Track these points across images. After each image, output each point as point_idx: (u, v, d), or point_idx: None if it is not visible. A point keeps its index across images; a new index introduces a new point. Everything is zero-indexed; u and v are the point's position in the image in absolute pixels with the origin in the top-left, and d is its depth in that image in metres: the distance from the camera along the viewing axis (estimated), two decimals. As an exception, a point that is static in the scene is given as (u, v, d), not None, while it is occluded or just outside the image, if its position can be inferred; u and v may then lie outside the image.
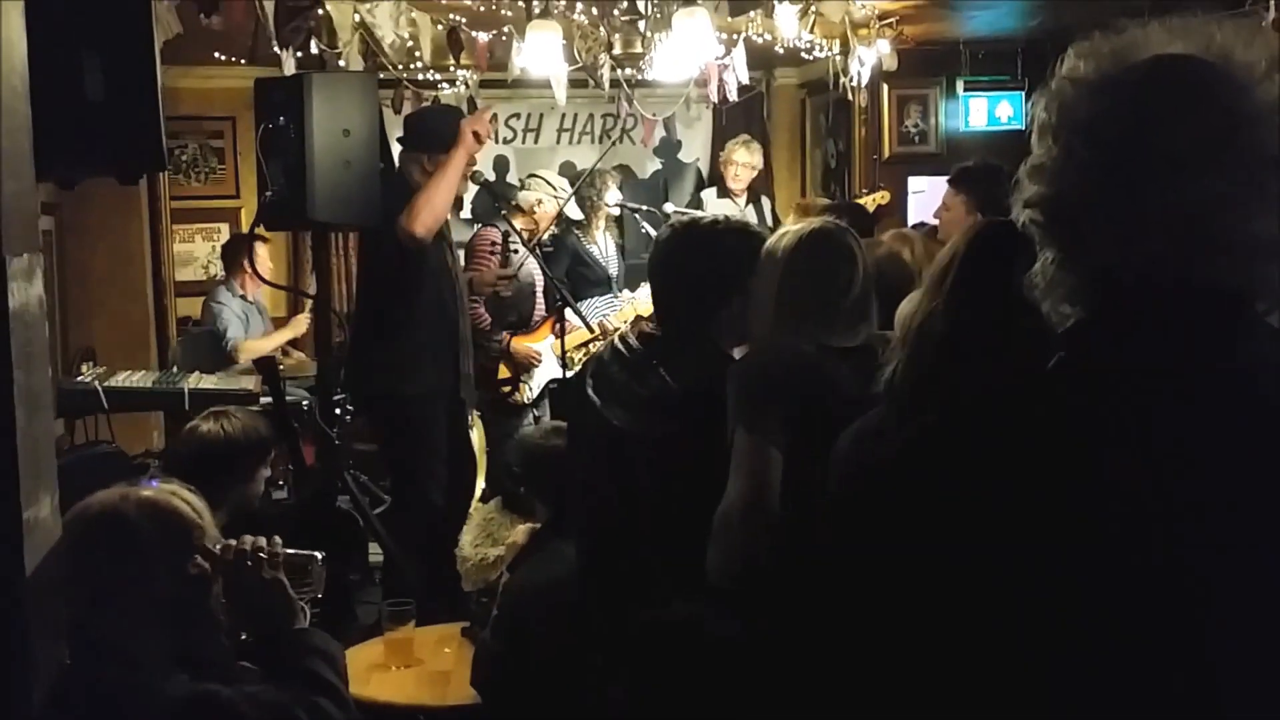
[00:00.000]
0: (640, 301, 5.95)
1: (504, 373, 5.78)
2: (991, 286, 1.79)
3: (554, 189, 6.06)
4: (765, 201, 7.53)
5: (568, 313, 5.54)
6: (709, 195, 7.45)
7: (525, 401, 5.83)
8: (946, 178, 4.75)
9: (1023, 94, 7.91)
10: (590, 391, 2.68)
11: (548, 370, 5.87)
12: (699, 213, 6.52)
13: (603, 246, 6.37)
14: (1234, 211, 1.12)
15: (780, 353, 2.44)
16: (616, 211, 6.51)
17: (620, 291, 6.32)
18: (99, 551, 2.21)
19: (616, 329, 5.55)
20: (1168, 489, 1.07)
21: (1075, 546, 1.08)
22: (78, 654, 2.18)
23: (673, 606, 2.46)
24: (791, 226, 2.66)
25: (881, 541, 1.21)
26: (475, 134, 4.69)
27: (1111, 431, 1.10)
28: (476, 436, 5.57)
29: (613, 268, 6.35)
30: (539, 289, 5.94)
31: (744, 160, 7.07)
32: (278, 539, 2.43)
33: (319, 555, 2.53)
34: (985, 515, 1.12)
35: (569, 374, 5.63)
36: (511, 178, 8.50)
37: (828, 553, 1.40)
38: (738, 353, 2.65)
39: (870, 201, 7.05)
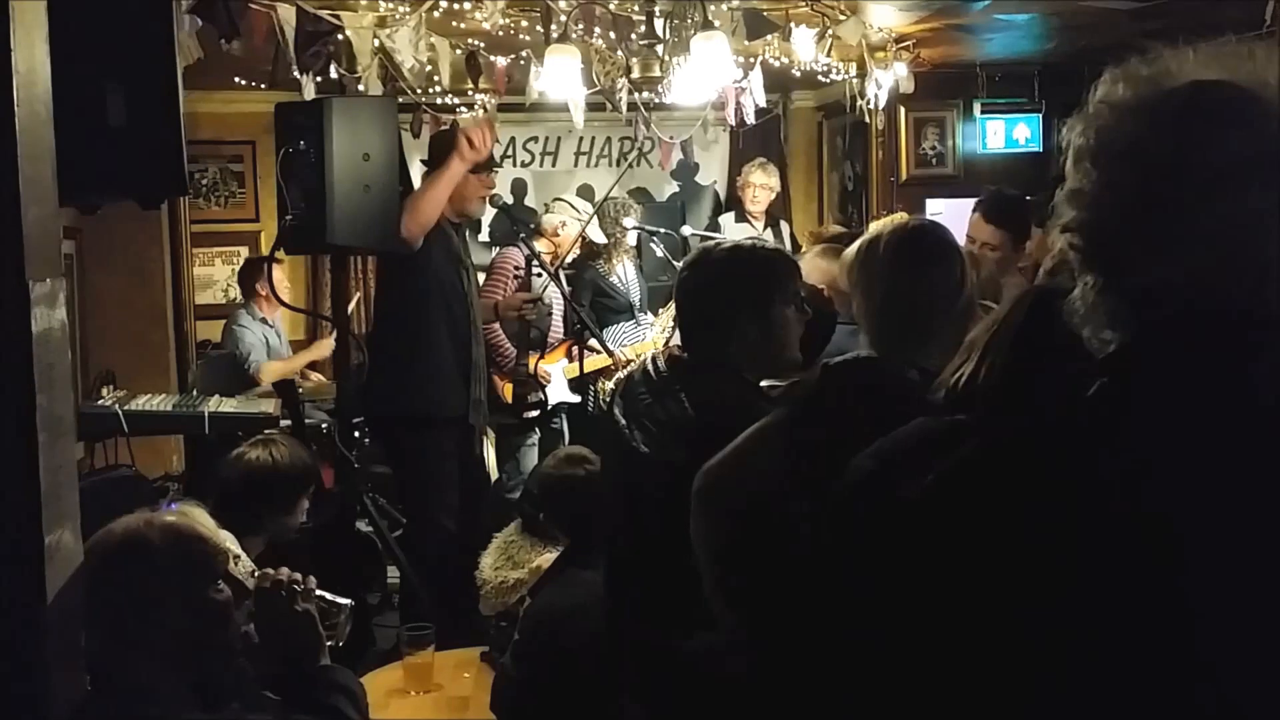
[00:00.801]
0: (659, 326, 5.98)
1: (507, 394, 5.74)
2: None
3: (578, 212, 6.08)
4: (784, 225, 7.53)
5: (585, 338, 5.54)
6: (727, 220, 7.46)
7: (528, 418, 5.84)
8: (977, 212, 4.64)
9: (1040, 116, 7.90)
10: (616, 412, 2.68)
11: (556, 392, 5.87)
12: (720, 236, 6.53)
13: (622, 274, 6.37)
14: (1275, 234, 1.12)
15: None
16: (633, 240, 6.51)
17: (644, 315, 6.33)
18: (121, 577, 2.21)
19: (629, 360, 5.59)
20: (1214, 516, 1.06)
21: (1117, 576, 1.07)
22: (96, 682, 2.18)
23: (694, 638, 2.44)
24: (880, 226, 2.49)
25: (918, 574, 1.20)
26: (469, 141, 4.69)
27: (1155, 459, 1.09)
28: (490, 456, 5.59)
29: (634, 293, 6.35)
30: (557, 311, 5.95)
31: (761, 182, 7.08)
32: (313, 578, 2.44)
33: (349, 604, 2.53)
34: (1025, 545, 1.11)
35: (586, 398, 5.64)
36: (530, 200, 8.53)
37: (848, 584, 1.38)
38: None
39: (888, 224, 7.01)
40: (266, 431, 3.66)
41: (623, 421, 2.64)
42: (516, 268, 5.75)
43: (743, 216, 7.22)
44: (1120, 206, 1.17)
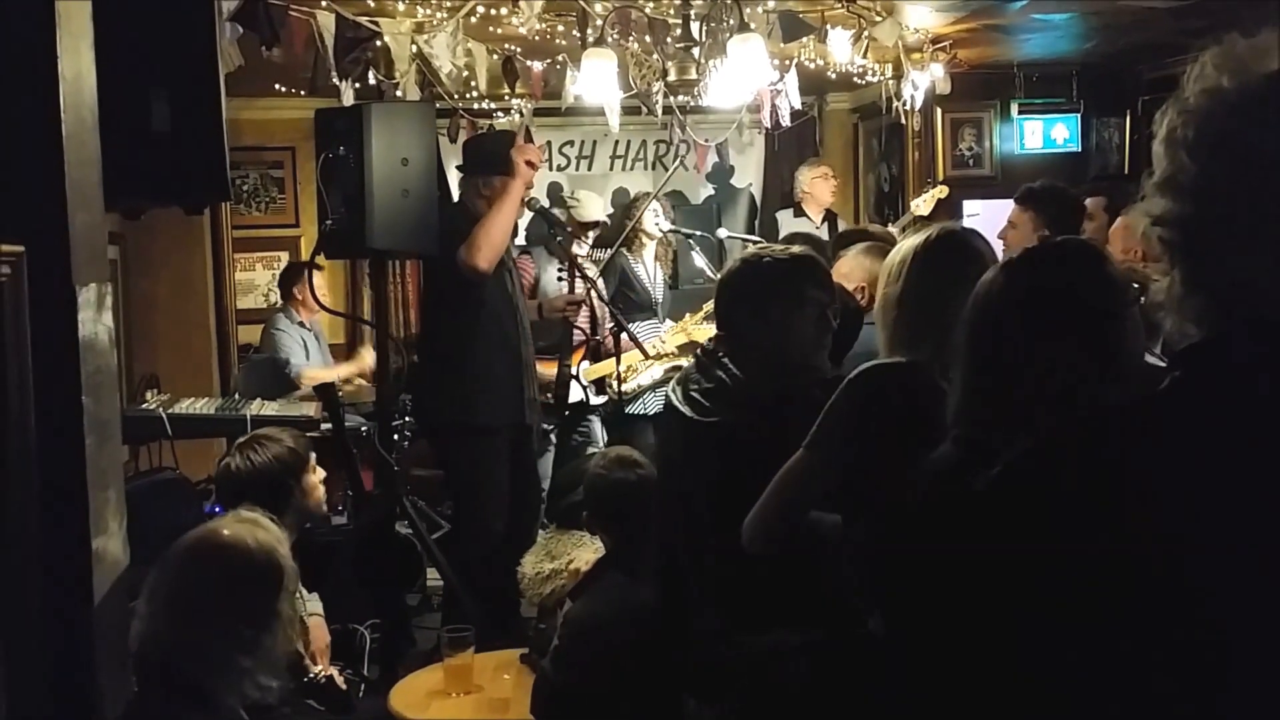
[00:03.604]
0: (676, 330, 5.98)
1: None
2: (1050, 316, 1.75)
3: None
4: (840, 223, 7.53)
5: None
6: (785, 216, 7.48)
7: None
8: (1014, 199, 4.75)
9: (1078, 116, 7.85)
10: (671, 393, 2.87)
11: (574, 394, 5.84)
12: (755, 239, 6.52)
13: (650, 272, 6.36)
14: None
15: (874, 370, 2.38)
16: (657, 234, 6.43)
17: (664, 320, 6.29)
18: (218, 579, 2.26)
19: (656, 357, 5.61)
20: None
21: (1170, 577, 1.06)
22: (146, 682, 2.21)
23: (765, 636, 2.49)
24: (918, 234, 2.54)
25: (983, 563, 1.20)
26: (528, 162, 4.77)
27: (1227, 460, 1.07)
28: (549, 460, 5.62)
29: (658, 294, 6.32)
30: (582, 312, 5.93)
31: (814, 175, 7.17)
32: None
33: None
34: (1090, 535, 1.10)
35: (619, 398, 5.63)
36: (566, 204, 8.56)
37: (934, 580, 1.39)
38: None
39: (930, 198, 7.04)
40: (256, 433, 3.58)
41: (675, 400, 2.82)
42: (558, 273, 5.71)
43: (800, 212, 7.27)
44: (1220, 203, 1.12)
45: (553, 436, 5.90)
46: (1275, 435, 1.06)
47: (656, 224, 6.28)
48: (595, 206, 6.14)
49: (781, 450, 2.38)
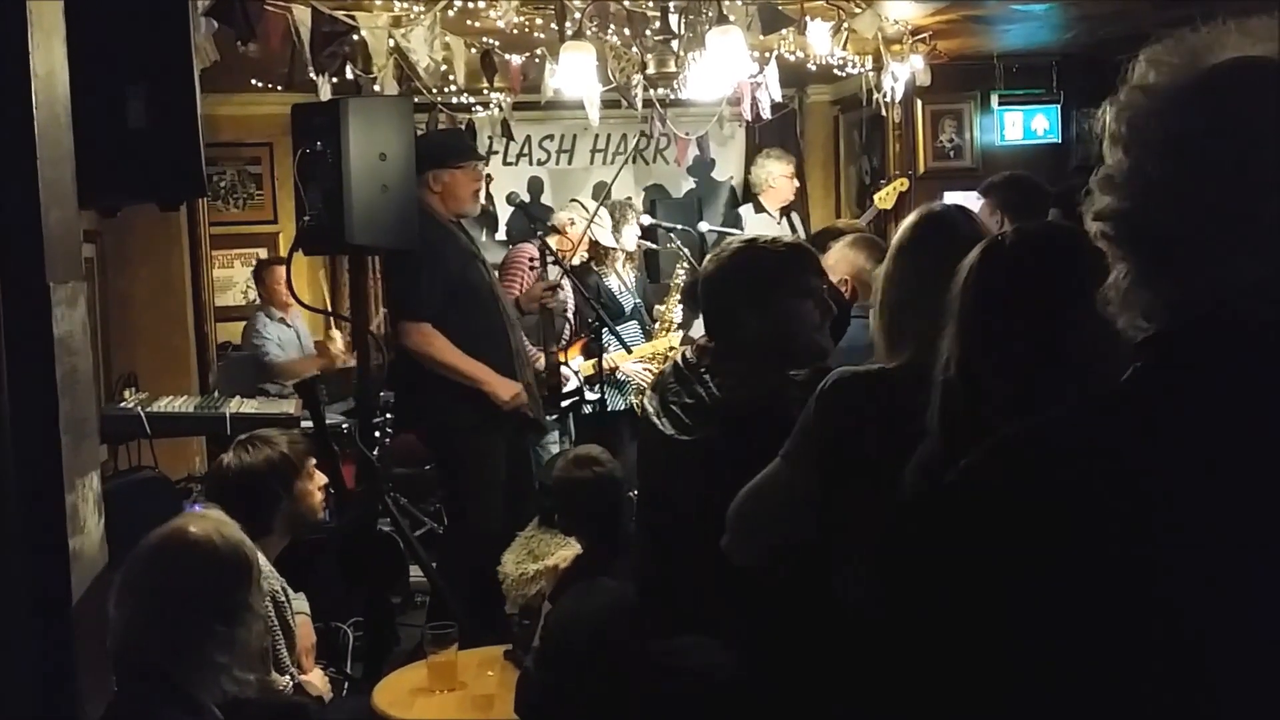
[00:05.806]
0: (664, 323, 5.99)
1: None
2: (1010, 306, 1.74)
3: (587, 213, 6.08)
4: (795, 217, 7.52)
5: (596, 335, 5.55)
6: (746, 211, 7.44)
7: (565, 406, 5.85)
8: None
9: (1058, 107, 7.86)
10: (647, 404, 2.80)
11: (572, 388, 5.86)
12: (737, 232, 6.51)
13: (624, 279, 6.34)
14: None
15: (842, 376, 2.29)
16: (632, 247, 6.43)
17: (637, 322, 6.28)
18: (186, 578, 2.28)
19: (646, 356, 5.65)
20: (1242, 518, 1.03)
21: (1132, 577, 1.05)
22: (124, 684, 2.20)
23: (677, 641, 2.48)
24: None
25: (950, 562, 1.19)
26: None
27: (1188, 453, 1.06)
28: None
29: (628, 301, 6.31)
30: (569, 310, 5.94)
31: (784, 172, 7.10)
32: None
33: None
34: (1047, 541, 1.09)
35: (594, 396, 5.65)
36: (546, 198, 8.52)
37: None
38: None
39: (891, 191, 7.05)
40: (255, 433, 3.55)
41: (651, 411, 2.75)
42: (531, 259, 5.73)
43: (761, 208, 7.22)
44: (1160, 197, 1.11)
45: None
46: (1235, 428, 1.06)
47: (628, 236, 6.28)
48: (575, 217, 6.16)
49: (763, 467, 2.36)
